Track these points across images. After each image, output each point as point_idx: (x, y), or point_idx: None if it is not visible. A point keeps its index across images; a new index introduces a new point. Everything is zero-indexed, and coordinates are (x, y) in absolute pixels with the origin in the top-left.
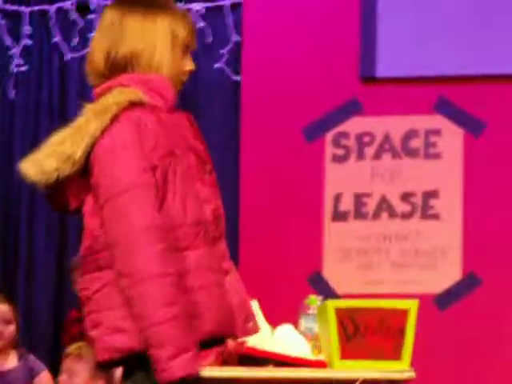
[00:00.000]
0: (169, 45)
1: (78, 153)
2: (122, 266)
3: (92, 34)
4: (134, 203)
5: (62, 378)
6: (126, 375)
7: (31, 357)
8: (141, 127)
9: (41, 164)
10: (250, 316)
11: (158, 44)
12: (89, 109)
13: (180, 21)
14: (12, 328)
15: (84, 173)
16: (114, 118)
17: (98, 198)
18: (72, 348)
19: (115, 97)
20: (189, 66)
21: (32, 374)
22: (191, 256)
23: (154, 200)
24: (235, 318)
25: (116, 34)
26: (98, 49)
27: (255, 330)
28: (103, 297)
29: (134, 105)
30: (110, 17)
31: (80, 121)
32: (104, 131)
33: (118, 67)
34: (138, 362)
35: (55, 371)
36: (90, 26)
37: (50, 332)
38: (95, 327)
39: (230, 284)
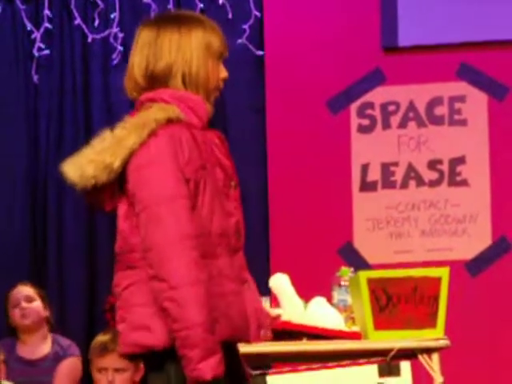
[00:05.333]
0: (205, 56)
1: (116, 163)
2: (158, 271)
3: (113, 15)
4: (169, 214)
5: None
6: (147, 370)
7: (65, 341)
8: (176, 142)
9: (82, 168)
10: (262, 324)
11: (194, 57)
12: (130, 122)
13: (212, 31)
14: (36, 304)
15: (120, 179)
16: (152, 133)
17: (133, 205)
18: (98, 342)
19: (156, 113)
20: (223, 73)
21: (61, 359)
22: (214, 264)
23: (188, 210)
24: (249, 325)
25: (153, 50)
26: (136, 65)
27: (267, 337)
28: (131, 294)
29: (171, 121)
30: (145, 35)
31: (121, 133)
32: (142, 145)
33: (156, 81)
34: (157, 359)
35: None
36: (110, 7)
37: (82, 321)
38: (122, 322)
39: (246, 293)
